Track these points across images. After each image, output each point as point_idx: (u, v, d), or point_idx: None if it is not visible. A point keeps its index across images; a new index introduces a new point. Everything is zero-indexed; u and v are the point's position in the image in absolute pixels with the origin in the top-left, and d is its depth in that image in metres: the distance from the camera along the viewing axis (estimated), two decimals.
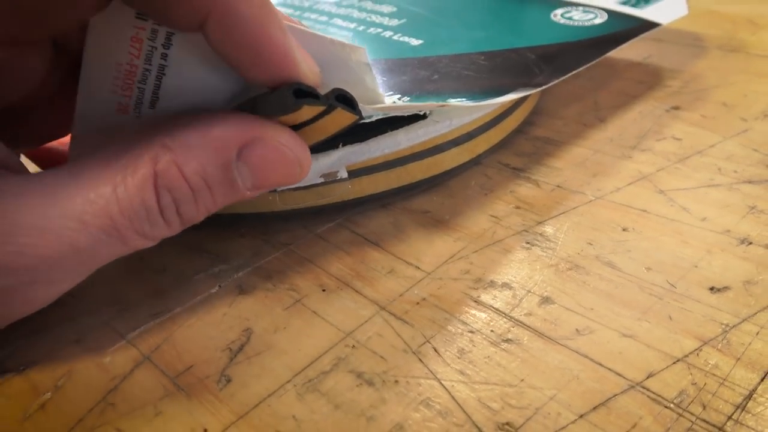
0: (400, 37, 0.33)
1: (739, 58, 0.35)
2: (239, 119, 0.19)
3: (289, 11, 0.39)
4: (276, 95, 0.19)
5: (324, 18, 0.37)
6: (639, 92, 0.33)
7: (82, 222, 0.17)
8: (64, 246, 0.17)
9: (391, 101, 0.26)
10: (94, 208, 0.18)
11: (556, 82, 0.27)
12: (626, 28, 0.32)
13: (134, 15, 0.20)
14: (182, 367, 0.20)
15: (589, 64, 0.28)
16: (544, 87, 0.27)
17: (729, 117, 0.30)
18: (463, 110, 0.27)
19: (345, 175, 0.25)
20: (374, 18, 0.36)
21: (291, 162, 0.20)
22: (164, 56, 0.20)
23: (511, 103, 0.29)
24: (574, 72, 0.28)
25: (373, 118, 0.25)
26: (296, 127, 0.21)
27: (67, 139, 0.24)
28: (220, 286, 0.24)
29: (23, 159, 0.24)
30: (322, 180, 0.25)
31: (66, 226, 0.17)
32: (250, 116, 0.20)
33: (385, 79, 0.29)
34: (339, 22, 0.36)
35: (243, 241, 0.26)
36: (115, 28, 0.20)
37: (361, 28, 0.34)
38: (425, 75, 0.29)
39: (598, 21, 0.32)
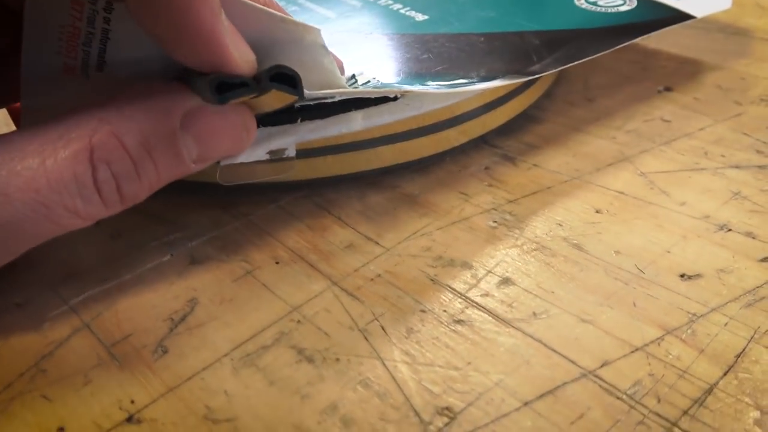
0: (407, 11, 0.32)
1: (742, 41, 0.33)
2: (180, 87, 0.18)
3: None
4: (203, 84, 0.18)
5: None
6: (632, 73, 0.31)
7: (5, 195, 0.16)
8: None
9: (364, 80, 0.25)
10: (18, 181, 0.16)
11: (551, 72, 0.26)
12: (654, 18, 0.29)
13: None
14: (120, 336, 0.20)
15: (597, 55, 0.26)
16: (536, 77, 0.25)
17: (723, 100, 0.28)
18: (435, 96, 0.25)
19: (293, 153, 0.24)
20: None
21: (236, 126, 0.19)
22: (107, 20, 0.20)
23: (507, 89, 0.27)
24: (578, 62, 0.26)
25: (337, 98, 0.24)
26: None
27: None
28: (171, 254, 0.23)
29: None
30: (267, 157, 0.24)
31: None
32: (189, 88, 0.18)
33: (374, 54, 0.27)
34: None
35: (202, 210, 0.25)
36: None
37: None
38: (415, 54, 0.27)
39: (624, 8, 0.30)
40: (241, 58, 0.18)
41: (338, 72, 0.21)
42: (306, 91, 0.20)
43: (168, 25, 0.17)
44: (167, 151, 0.18)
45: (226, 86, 0.18)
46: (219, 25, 0.17)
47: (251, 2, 0.20)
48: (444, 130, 0.27)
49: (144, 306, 0.21)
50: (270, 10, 0.20)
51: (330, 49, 0.21)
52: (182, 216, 0.25)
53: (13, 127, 0.25)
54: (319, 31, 0.21)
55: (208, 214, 0.25)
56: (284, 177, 0.24)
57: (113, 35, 0.20)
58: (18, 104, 0.24)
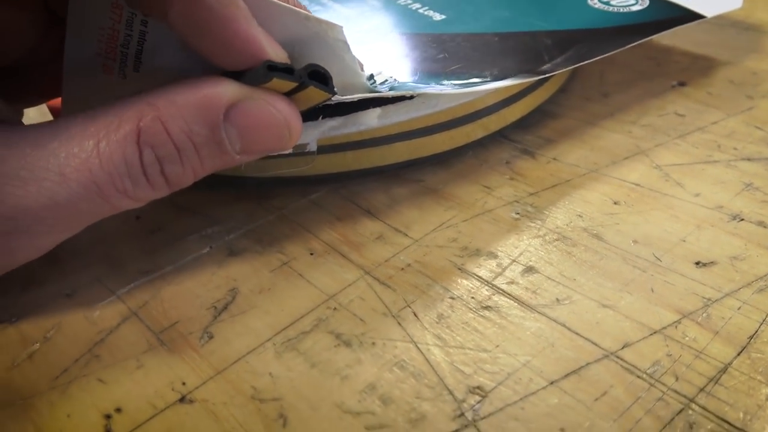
0: (426, 10, 0.33)
1: (754, 36, 0.34)
2: (227, 81, 0.19)
3: None
4: (253, 71, 0.19)
5: None
6: (646, 68, 0.32)
7: (62, 175, 0.18)
8: (44, 198, 0.18)
9: (382, 79, 0.26)
10: (75, 162, 0.18)
11: (562, 71, 0.27)
12: (665, 18, 0.30)
13: None
14: (167, 323, 0.21)
15: (607, 54, 0.27)
16: (546, 76, 0.26)
17: (735, 94, 0.29)
18: (449, 96, 0.26)
19: (314, 148, 0.25)
20: None
21: (280, 124, 0.20)
22: (144, 23, 0.21)
23: (518, 87, 0.28)
24: (588, 61, 0.27)
25: (357, 98, 0.25)
26: None
27: None
28: (211, 247, 0.24)
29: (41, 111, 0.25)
30: (290, 150, 0.25)
31: (47, 178, 0.17)
32: (237, 82, 0.19)
33: (393, 53, 0.28)
34: None
35: (238, 204, 0.26)
36: None
37: None
38: (432, 53, 0.28)
39: (637, 8, 0.31)
40: (278, 57, 0.19)
41: (359, 68, 0.23)
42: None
43: (208, 36, 0.18)
44: (210, 140, 0.19)
45: (273, 68, 0.19)
46: (254, 29, 0.19)
47: (277, 1, 0.21)
48: (461, 126, 0.28)
49: (187, 295, 0.22)
50: (294, 8, 0.21)
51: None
52: (218, 210, 0.26)
53: None
54: (341, 28, 0.22)
55: (243, 208, 0.26)
56: (306, 170, 0.25)
57: (150, 37, 0.21)
58: (57, 100, 0.26)
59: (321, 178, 0.26)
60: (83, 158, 0.18)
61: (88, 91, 0.22)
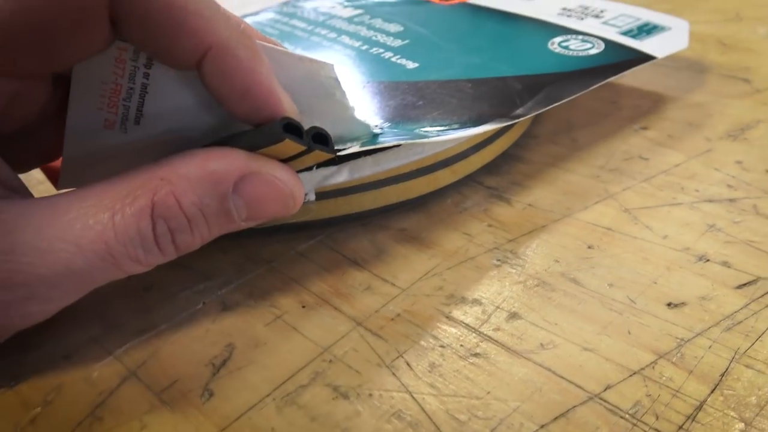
0: (398, 59, 0.34)
1: (708, 78, 0.36)
2: (235, 154, 0.20)
3: (303, 25, 0.40)
4: (265, 128, 0.20)
5: (333, 35, 0.38)
6: (609, 112, 0.34)
7: (78, 246, 0.19)
8: (60, 267, 0.19)
9: (374, 124, 0.27)
10: (91, 234, 0.19)
11: (534, 114, 0.28)
12: (621, 60, 0.32)
13: (117, 38, 0.21)
14: (167, 382, 0.21)
15: (573, 97, 0.29)
16: (520, 120, 0.28)
17: (694, 137, 0.31)
18: (435, 143, 0.28)
19: (313, 197, 0.26)
20: (379, 37, 0.37)
21: (285, 195, 0.21)
22: (146, 75, 0.22)
23: (490, 133, 0.30)
24: (555, 104, 0.28)
25: (348, 150, 0.26)
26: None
27: None
28: (204, 302, 0.25)
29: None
30: None
31: (63, 249, 0.19)
32: (245, 152, 0.21)
33: (374, 102, 0.30)
34: (346, 39, 0.37)
35: (227, 257, 0.27)
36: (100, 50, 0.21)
37: (365, 47, 0.35)
38: (411, 101, 0.30)
39: (594, 51, 0.33)
40: (291, 110, 0.21)
41: (348, 102, 0.24)
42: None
43: (237, 87, 0.20)
44: (219, 211, 0.21)
45: (290, 128, 0.20)
46: (274, 83, 0.20)
47: (272, 45, 0.22)
48: (438, 171, 0.29)
49: (184, 352, 0.23)
50: (288, 50, 0.22)
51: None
52: (208, 264, 0.27)
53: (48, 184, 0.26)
54: (332, 66, 0.23)
55: (232, 262, 0.27)
56: (302, 218, 0.26)
57: (151, 89, 0.22)
58: (52, 164, 0.26)
59: (307, 225, 0.27)
60: (99, 230, 0.19)
61: (90, 148, 0.23)
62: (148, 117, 0.23)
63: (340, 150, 0.26)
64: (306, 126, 0.21)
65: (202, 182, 0.20)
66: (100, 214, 0.19)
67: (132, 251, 0.20)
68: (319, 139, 0.21)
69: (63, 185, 0.25)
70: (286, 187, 0.21)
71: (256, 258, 0.27)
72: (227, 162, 0.20)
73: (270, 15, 0.44)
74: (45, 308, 0.20)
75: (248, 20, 0.43)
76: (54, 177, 0.27)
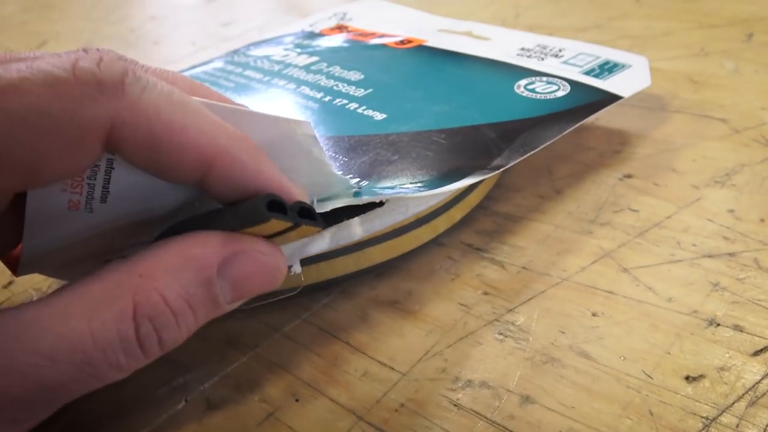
0: (364, 110, 0.33)
1: (683, 119, 0.36)
2: (215, 236, 0.19)
3: (259, 75, 0.38)
4: (246, 206, 0.19)
5: (292, 85, 0.36)
6: (590, 159, 0.33)
7: (52, 359, 0.17)
8: (31, 384, 0.17)
9: (353, 183, 0.26)
10: (65, 344, 0.17)
11: (513, 164, 0.27)
12: (589, 102, 0.31)
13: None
14: None
15: (549, 143, 0.28)
16: (501, 170, 0.27)
17: (681, 184, 0.30)
18: (419, 198, 0.27)
19: (299, 269, 0.24)
20: (341, 87, 0.35)
21: (271, 269, 0.20)
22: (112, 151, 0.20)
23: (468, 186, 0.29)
24: (533, 152, 0.28)
25: (329, 208, 0.25)
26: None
27: None
28: (186, 400, 0.23)
29: None
30: None
31: (34, 364, 0.16)
32: (224, 233, 0.19)
33: (346, 159, 0.28)
34: (306, 90, 0.35)
35: (206, 345, 0.25)
36: None
37: (328, 98, 0.34)
38: (385, 156, 0.28)
39: (560, 93, 0.32)
40: (302, 196, 0.20)
41: (326, 159, 0.23)
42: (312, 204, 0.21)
43: (245, 189, 0.19)
44: (206, 299, 0.19)
45: (274, 206, 0.19)
46: (281, 174, 0.20)
47: (246, 108, 0.21)
48: (419, 227, 0.28)
49: None
50: (264, 112, 0.21)
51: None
52: (187, 354, 0.24)
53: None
54: (309, 123, 0.22)
55: (212, 350, 0.25)
56: (290, 287, 0.24)
57: (117, 164, 0.20)
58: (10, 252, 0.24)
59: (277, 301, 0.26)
60: (75, 340, 0.17)
61: (52, 231, 0.21)
62: (115, 194, 0.21)
63: (326, 219, 0.25)
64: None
65: (185, 271, 0.18)
66: (74, 321, 0.17)
67: (113, 358, 0.18)
68: (305, 213, 0.20)
69: (23, 272, 0.23)
70: (272, 260, 0.20)
71: (239, 343, 0.25)
72: (208, 245, 0.19)
73: (220, 65, 0.42)
74: (13, 429, 0.18)
75: (198, 71, 0.42)
76: (13, 264, 0.24)
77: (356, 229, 0.26)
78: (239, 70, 0.40)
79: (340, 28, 0.47)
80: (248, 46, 0.46)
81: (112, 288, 0.18)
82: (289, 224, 0.19)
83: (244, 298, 0.20)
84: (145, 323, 0.18)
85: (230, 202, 0.20)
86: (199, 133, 0.18)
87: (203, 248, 0.19)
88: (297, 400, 0.22)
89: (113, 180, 0.21)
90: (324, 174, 0.24)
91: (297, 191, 0.20)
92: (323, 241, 0.25)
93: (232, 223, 0.19)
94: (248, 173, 0.19)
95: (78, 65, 0.17)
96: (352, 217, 0.26)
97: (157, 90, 0.18)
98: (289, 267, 0.25)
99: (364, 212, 0.26)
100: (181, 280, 0.18)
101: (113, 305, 0.17)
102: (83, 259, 0.23)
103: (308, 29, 0.48)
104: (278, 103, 0.35)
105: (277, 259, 0.20)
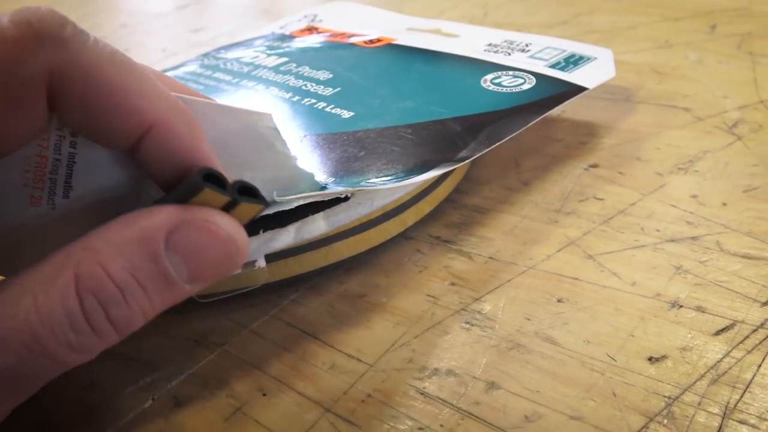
0: (332, 108, 0.33)
1: (648, 109, 0.36)
2: (161, 208, 0.18)
3: (228, 77, 0.38)
4: (185, 181, 0.18)
5: (261, 86, 0.36)
6: (557, 151, 0.34)
7: (2, 339, 0.16)
8: None
9: (318, 179, 0.26)
10: (12, 323, 0.16)
11: (479, 155, 0.27)
12: (554, 94, 0.32)
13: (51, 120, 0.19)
14: None
15: (514, 134, 0.28)
16: (466, 162, 0.27)
17: (645, 172, 0.31)
18: (384, 191, 0.27)
19: (263, 264, 0.24)
20: (309, 86, 0.35)
21: (224, 241, 0.19)
22: (73, 144, 0.20)
23: (436, 178, 0.29)
24: (499, 143, 0.28)
25: (293, 205, 0.25)
26: None
27: None
28: (153, 399, 0.22)
29: None
30: (239, 271, 0.24)
31: None
32: (172, 205, 0.18)
33: (314, 156, 0.28)
34: (275, 90, 0.35)
35: (173, 343, 0.25)
36: None
37: (296, 98, 0.34)
38: (353, 152, 0.28)
39: (526, 86, 0.32)
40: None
41: (290, 152, 0.23)
42: (272, 197, 0.22)
43: (174, 163, 0.19)
44: (155, 273, 0.18)
45: (210, 177, 0.18)
46: (215, 158, 0.19)
47: (207, 100, 0.21)
48: (387, 221, 0.28)
49: None
50: (223, 104, 0.21)
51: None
52: (153, 353, 0.24)
53: None
54: (270, 116, 0.22)
55: (180, 348, 0.25)
56: (257, 283, 0.24)
57: (79, 158, 0.20)
58: None
59: (256, 290, 0.25)
60: (21, 318, 0.16)
61: (15, 228, 0.21)
62: (77, 189, 0.21)
63: (290, 214, 0.25)
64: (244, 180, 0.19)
65: (129, 244, 0.17)
66: (21, 299, 0.16)
67: (61, 335, 0.17)
68: (247, 192, 0.19)
69: None
70: (224, 231, 0.18)
71: (206, 341, 0.25)
72: (154, 217, 0.18)
73: (193, 68, 0.42)
74: None
75: (169, 74, 0.41)
76: None
77: (320, 223, 0.26)
78: (209, 72, 0.40)
79: (311, 30, 0.47)
80: (218, 50, 0.46)
81: (57, 263, 0.17)
82: (226, 199, 0.18)
83: (204, 278, 0.19)
84: (88, 297, 0.17)
85: (161, 177, 0.19)
86: (138, 96, 0.18)
87: (148, 220, 0.18)
88: (264, 395, 0.22)
89: (75, 174, 0.20)
90: (288, 168, 0.24)
91: (230, 178, 0.19)
92: (288, 236, 0.25)
93: (172, 199, 0.19)
94: (184, 145, 0.19)
95: (14, 18, 0.17)
96: (318, 212, 0.26)
97: (99, 47, 0.18)
98: (254, 261, 0.25)
99: (329, 207, 0.26)
100: (124, 252, 0.17)
101: (57, 279, 0.17)
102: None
103: (279, 32, 0.48)
104: (246, 103, 0.35)
105: (231, 230, 0.19)
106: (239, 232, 0.19)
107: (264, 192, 0.24)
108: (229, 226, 0.19)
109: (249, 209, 0.19)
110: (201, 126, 0.19)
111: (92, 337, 0.17)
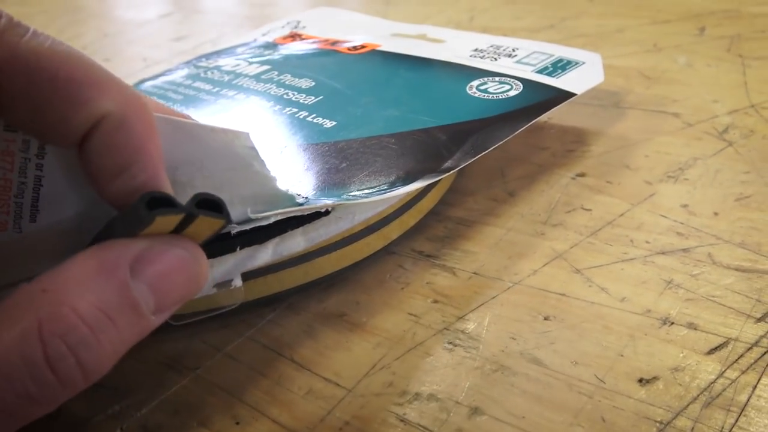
0: (315, 118, 0.32)
1: (637, 115, 0.36)
2: (121, 241, 0.17)
3: (208, 87, 0.37)
4: (130, 210, 0.17)
5: (241, 95, 0.35)
6: (543, 160, 0.33)
7: None
8: None
9: (297, 194, 0.25)
10: None
11: (464, 165, 0.26)
12: (542, 100, 0.31)
13: (2, 128, 0.18)
14: None
15: (501, 143, 0.27)
16: (451, 173, 0.26)
17: (634, 181, 0.30)
18: (366, 204, 0.26)
19: (239, 283, 0.23)
20: (291, 95, 0.34)
21: (188, 264, 0.18)
22: (39, 167, 0.19)
23: (420, 190, 0.28)
24: (484, 153, 0.27)
25: (272, 220, 0.24)
26: None
27: None
28: (122, 428, 0.21)
29: None
30: (215, 291, 0.23)
31: None
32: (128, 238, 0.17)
33: (294, 168, 0.27)
34: (256, 100, 0.34)
35: (144, 367, 0.24)
36: None
37: (277, 107, 0.33)
38: (334, 164, 0.28)
39: (513, 93, 0.32)
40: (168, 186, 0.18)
41: (269, 173, 0.22)
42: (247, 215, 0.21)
43: (115, 162, 0.17)
44: (124, 306, 0.17)
45: (155, 202, 0.17)
46: (161, 164, 0.18)
47: (181, 119, 0.20)
48: (369, 236, 0.27)
49: None
50: (199, 123, 0.20)
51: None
52: (123, 379, 0.23)
53: None
54: (248, 134, 0.21)
55: (150, 373, 0.23)
56: (234, 302, 0.23)
57: (46, 181, 0.19)
58: None
59: (222, 317, 0.24)
60: None
61: None
62: (44, 213, 0.20)
63: (269, 230, 0.24)
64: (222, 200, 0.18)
65: (95, 277, 0.16)
66: None
67: (20, 387, 0.15)
68: (209, 205, 0.18)
69: None
70: (187, 253, 0.18)
71: (179, 365, 0.24)
72: (115, 249, 0.17)
73: (172, 77, 0.41)
74: None
75: (148, 84, 0.40)
76: None
77: (299, 239, 0.25)
78: (188, 82, 0.39)
79: (294, 37, 0.46)
80: (199, 58, 0.45)
81: (11, 307, 0.16)
82: (180, 216, 0.17)
83: (170, 306, 0.18)
84: (54, 341, 0.15)
85: (99, 176, 0.18)
86: (86, 86, 0.17)
87: (109, 251, 0.17)
88: (237, 423, 0.21)
89: (42, 198, 0.19)
90: (267, 188, 0.23)
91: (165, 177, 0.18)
92: (266, 254, 0.24)
93: (123, 231, 0.18)
94: (131, 144, 0.17)
95: None
96: (297, 227, 0.25)
97: (39, 38, 0.17)
98: (230, 281, 0.24)
99: (309, 222, 0.25)
100: (91, 286, 0.16)
101: (14, 326, 0.15)
102: (12, 285, 0.22)
103: (262, 39, 0.47)
104: (226, 114, 0.34)
105: (193, 253, 0.18)
106: (200, 252, 0.18)
107: (241, 210, 0.23)
108: (190, 246, 0.18)
109: (209, 223, 0.18)
110: (154, 124, 0.18)
111: (56, 387, 0.16)
